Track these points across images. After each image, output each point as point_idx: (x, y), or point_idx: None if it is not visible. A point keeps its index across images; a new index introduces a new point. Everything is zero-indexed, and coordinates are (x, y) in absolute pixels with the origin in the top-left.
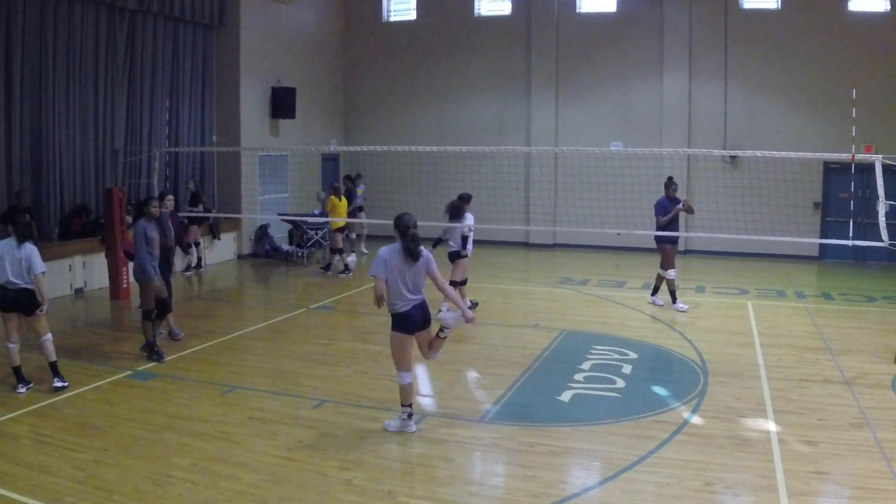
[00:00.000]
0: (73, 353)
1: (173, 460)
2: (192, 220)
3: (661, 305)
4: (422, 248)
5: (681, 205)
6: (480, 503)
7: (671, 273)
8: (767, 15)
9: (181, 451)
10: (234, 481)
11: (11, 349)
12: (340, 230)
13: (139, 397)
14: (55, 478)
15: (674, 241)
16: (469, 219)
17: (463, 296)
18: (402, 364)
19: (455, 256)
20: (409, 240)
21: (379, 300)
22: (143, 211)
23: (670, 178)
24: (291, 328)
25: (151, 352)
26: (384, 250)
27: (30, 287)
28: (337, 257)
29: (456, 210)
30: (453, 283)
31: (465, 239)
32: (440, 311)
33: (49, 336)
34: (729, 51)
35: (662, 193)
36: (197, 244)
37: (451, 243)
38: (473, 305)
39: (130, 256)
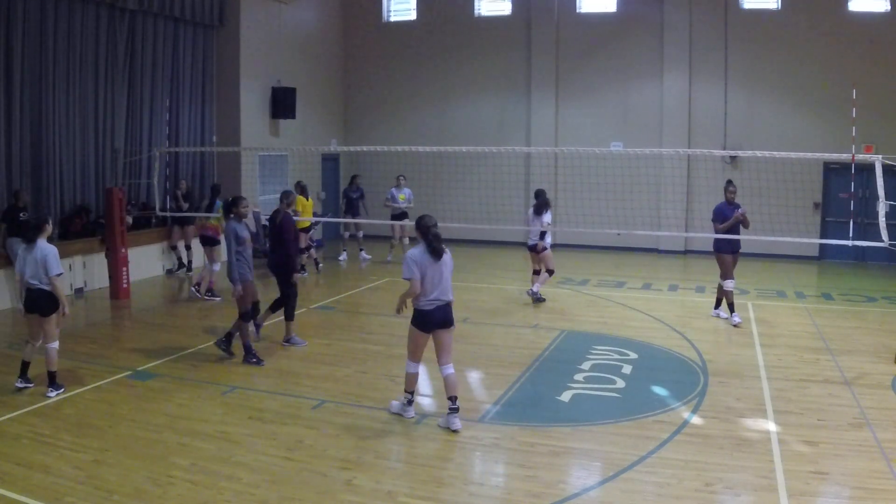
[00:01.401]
0: (73, 352)
1: (173, 460)
2: (185, 222)
3: (726, 319)
4: (444, 247)
5: (739, 212)
6: (480, 503)
7: (729, 284)
8: (767, 15)
9: (181, 451)
10: (234, 481)
11: (28, 345)
12: (306, 230)
13: (139, 397)
14: (55, 478)
15: (733, 248)
16: (548, 215)
17: (533, 282)
18: (413, 356)
19: (532, 249)
20: (432, 239)
21: (402, 304)
22: (232, 210)
23: (729, 181)
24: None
25: (249, 355)
26: (412, 252)
27: (45, 288)
28: (304, 255)
29: (541, 207)
30: (549, 272)
31: (542, 234)
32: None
33: (55, 345)
34: (729, 51)
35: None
36: (188, 247)
37: (529, 238)
38: (539, 298)
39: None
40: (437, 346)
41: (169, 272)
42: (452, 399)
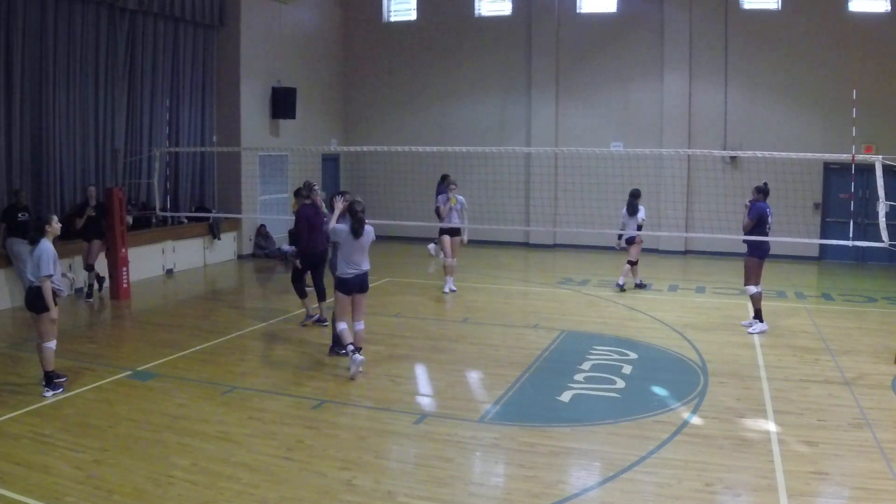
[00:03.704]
0: (74, 352)
1: (173, 460)
2: (92, 236)
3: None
4: (367, 226)
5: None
6: (480, 503)
7: (751, 289)
8: (767, 15)
9: (181, 451)
10: (234, 481)
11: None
12: None
13: (139, 397)
14: (55, 478)
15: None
16: (642, 211)
17: (635, 274)
18: (339, 317)
19: (630, 241)
20: (355, 221)
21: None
22: (332, 205)
23: (765, 184)
24: (291, 328)
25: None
26: (340, 226)
27: (38, 286)
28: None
29: (632, 206)
30: (630, 263)
31: (639, 227)
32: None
33: (51, 344)
34: (729, 51)
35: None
36: (90, 268)
37: (626, 232)
38: (643, 286)
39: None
40: (354, 307)
41: (171, 276)
42: (358, 350)
